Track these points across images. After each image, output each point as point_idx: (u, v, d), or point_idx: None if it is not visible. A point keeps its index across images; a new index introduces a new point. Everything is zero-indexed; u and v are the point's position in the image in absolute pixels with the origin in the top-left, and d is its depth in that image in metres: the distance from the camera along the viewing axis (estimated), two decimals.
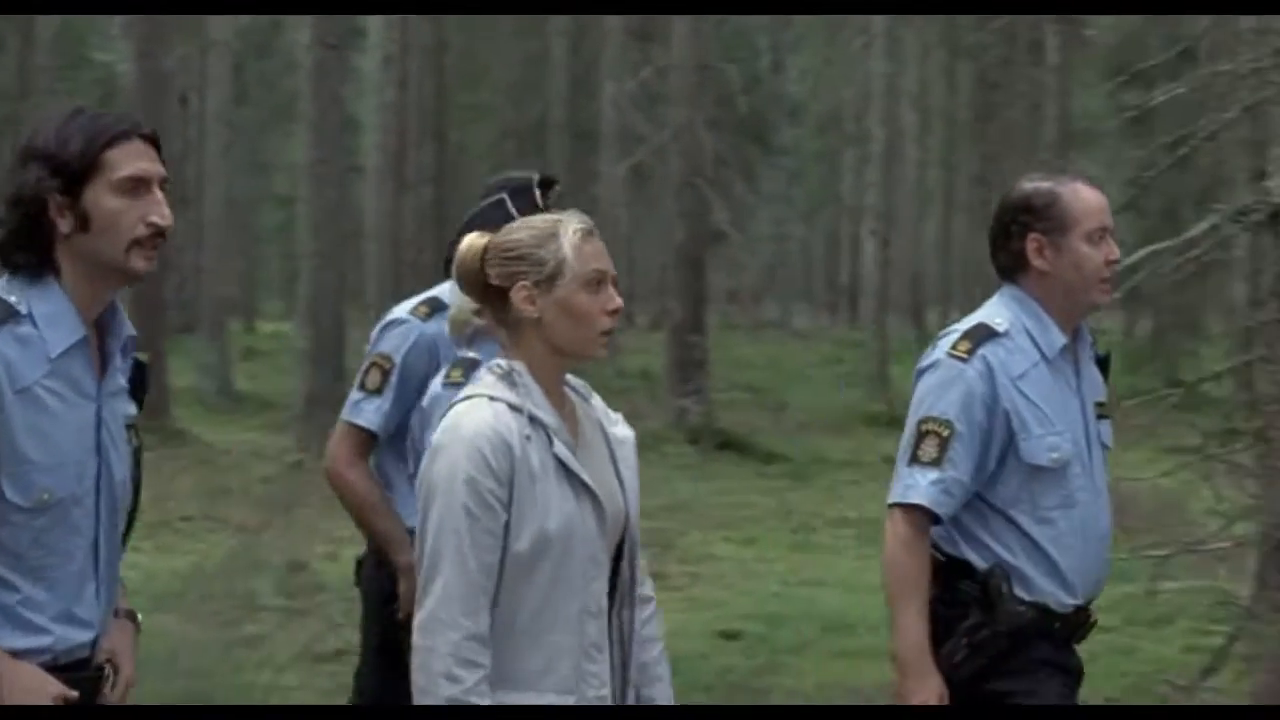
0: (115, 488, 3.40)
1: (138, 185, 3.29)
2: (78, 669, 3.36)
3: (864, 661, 9.16)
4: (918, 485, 4.18)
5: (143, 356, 3.58)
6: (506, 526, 3.41)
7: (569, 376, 3.64)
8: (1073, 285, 4.25)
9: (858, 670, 8.97)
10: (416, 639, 3.39)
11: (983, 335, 4.24)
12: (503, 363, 3.53)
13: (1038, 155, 29.46)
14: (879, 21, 27.82)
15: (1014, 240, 4.29)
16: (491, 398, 3.47)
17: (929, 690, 4.15)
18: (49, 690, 3.26)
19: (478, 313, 4.30)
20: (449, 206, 28.42)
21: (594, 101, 32.39)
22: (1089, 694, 4.95)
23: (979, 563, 4.22)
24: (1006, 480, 4.21)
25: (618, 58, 30.05)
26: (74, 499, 3.31)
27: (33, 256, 3.28)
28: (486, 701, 3.35)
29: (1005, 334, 4.23)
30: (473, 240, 3.60)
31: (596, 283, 3.51)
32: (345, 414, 5.07)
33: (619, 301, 3.56)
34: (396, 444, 4.96)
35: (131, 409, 3.51)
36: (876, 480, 17.38)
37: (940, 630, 4.19)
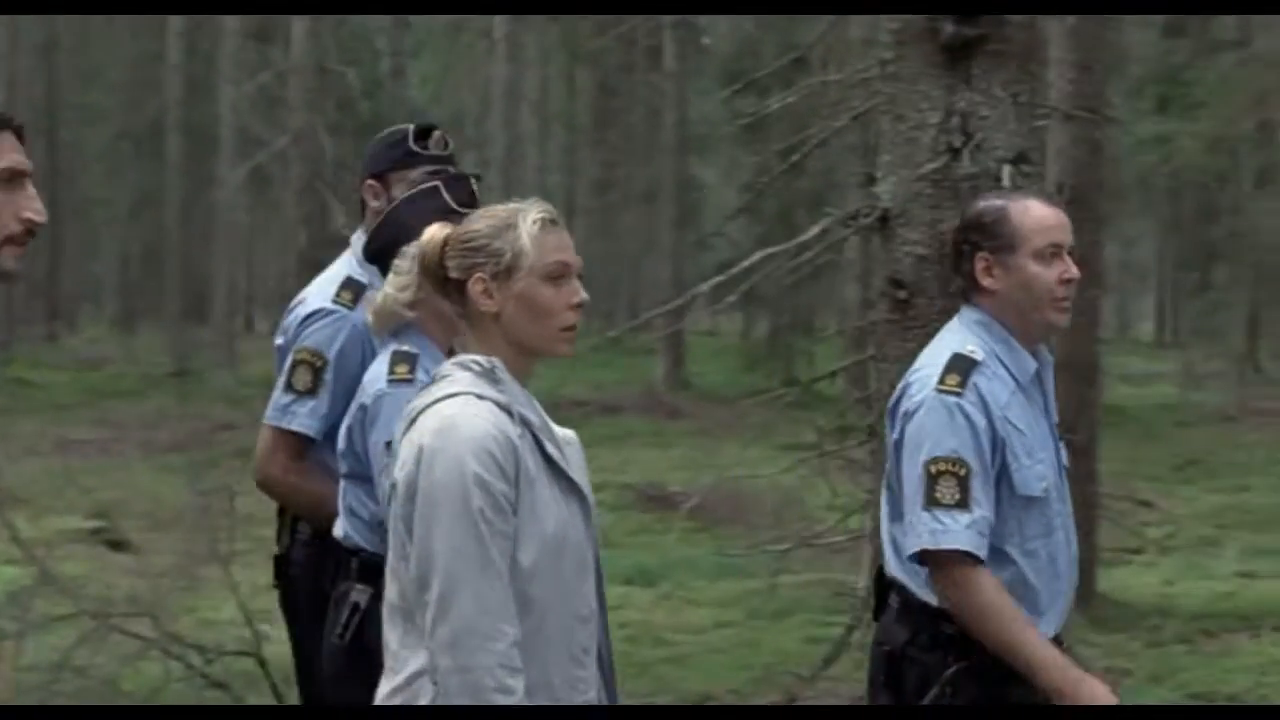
0: None
1: (11, 178, 3.14)
2: None
3: None
4: (951, 530, 3.89)
5: None
6: (515, 531, 3.23)
7: None
8: (1023, 306, 4.08)
9: None
10: (446, 660, 3.16)
11: (967, 366, 4.01)
12: (481, 359, 3.33)
13: (656, 160, 29.93)
14: (500, 25, 27.90)
15: (964, 260, 4.13)
16: (479, 396, 3.27)
17: (1100, 695, 3.89)
18: None
19: (411, 306, 4.19)
20: (60, 207, 27.46)
21: (212, 104, 31.72)
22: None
23: None
24: (1000, 514, 3.98)
25: (235, 59, 29.48)
26: None
27: None
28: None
29: (983, 362, 4.02)
30: (434, 231, 3.43)
31: (557, 275, 3.34)
32: (273, 419, 4.70)
33: (583, 295, 3.37)
34: (324, 448, 4.63)
35: None
36: None
37: (916, 677, 4.00)
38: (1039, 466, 4.02)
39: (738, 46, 29.51)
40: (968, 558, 3.89)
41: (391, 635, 3.35)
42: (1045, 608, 4.03)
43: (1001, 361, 4.04)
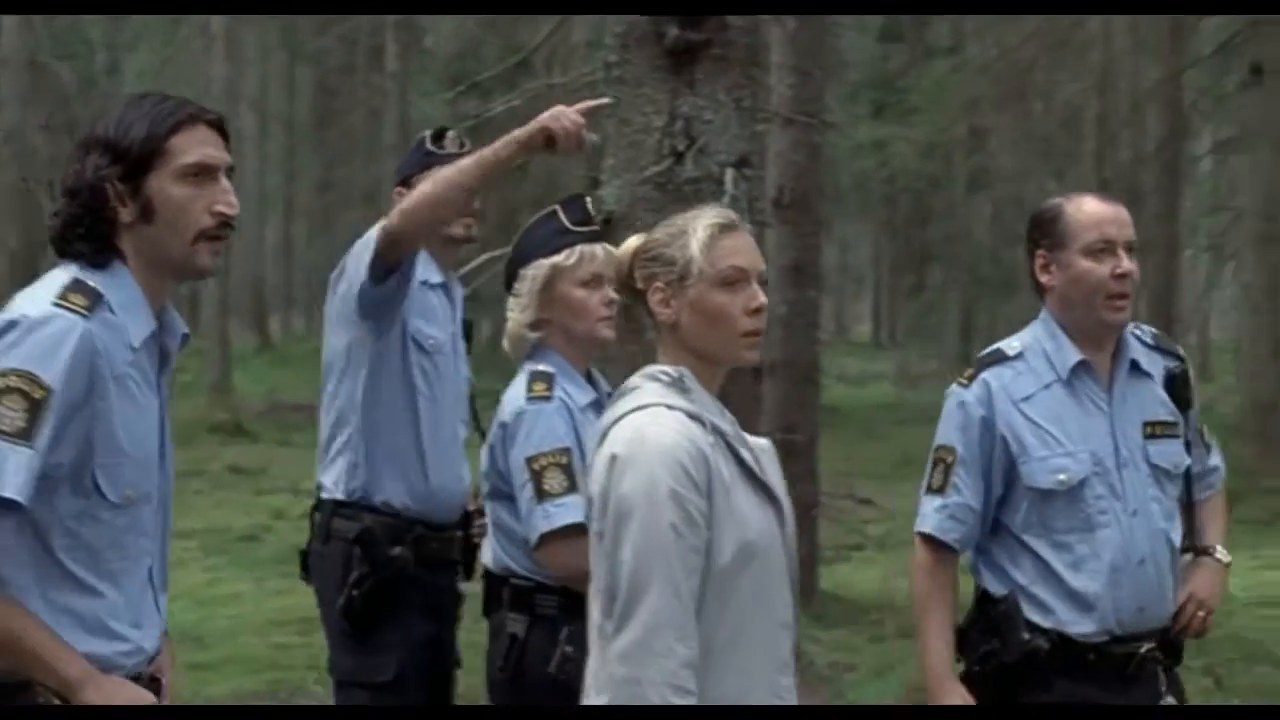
0: (169, 489, 3.20)
1: (203, 173, 3.08)
2: (136, 682, 3.08)
3: (213, 674, 8.99)
4: (925, 513, 4.20)
5: None
6: (708, 542, 3.15)
7: None
8: (1076, 301, 4.12)
9: (208, 682, 8.79)
10: (619, 669, 3.10)
11: (990, 360, 4.19)
12: (670, 369, 3.29)
13: (378, 161, 29.68)
14: (218, 22, 27.39)
15: (1031, 259, 4.21)
16: (669, 406, 3.21)
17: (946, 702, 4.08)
18: (148, 700, 3.04)
19: (532, 326, 4.30)
20: None
21: None
22: None
23: (997, 589, 4.12)
24: (1017, 505, 4.11)
25: None
26: (145, 498, 3.09)
27: (90, 244, 3.06)
28: None
29: (1018, 356, 4.16)
30: (629, 242, 3.42)
31: (732, 281, 3.26)
32: None
33: (762, 299, 3.29)
34: None
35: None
36: (222, 489, 17.13)
37: (970, 656, 4.16)
38: (1058, 460, 4.07)
39: (460, 48, 29.40)
40: (929, 540, 4.17)
41: (593, 657, 3.28)
42: (1096, 604, 4.04)
43: (1046, 356, 4.14)
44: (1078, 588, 4.05)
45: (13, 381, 2.89)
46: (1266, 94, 18.73)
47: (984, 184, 28.94)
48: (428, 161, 4.85)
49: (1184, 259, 36.41)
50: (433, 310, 4.86)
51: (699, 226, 3.29)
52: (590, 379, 4.43)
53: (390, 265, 4.57)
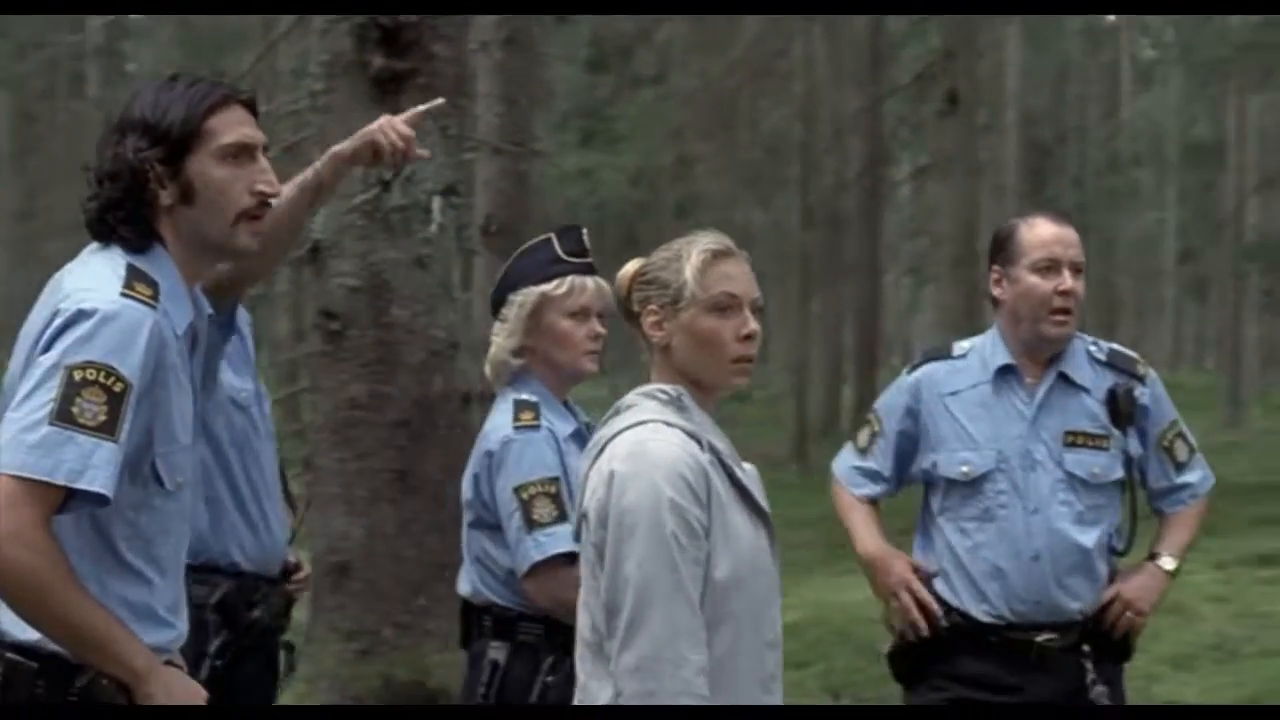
0: (197, 476, 3.24)
1: (241, 152, 3.03)
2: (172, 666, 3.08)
3: None
4: (843, 459, 4.63)
5: None
6: (707, 556, 3.15)
7: None
8: (1022, 314, 4.39)
9: None
10: (631, 684, 3.06)
11: (934, 354, 4.62)
12: (668, 388, 3.28)
13: (79, 188, 28.88)
14: None
15: (988, 274, 4.50)
16: (667, 423, 3.20)
17: (896, 571, 4.42)
18: (201, 695, 3.05)
19: (516, 353, 4.23)
20: None
21: None
22: None
23: (923, 566, 4.44)
24: (936, 489, 4.45)
25: None
26: (189, 485, 3.08)
27: (133, 228, 2.99)
28: None
29: (961, 355, 4.50)
30: (629, 265, 3.40)
31: (724, 306, 3.24)
32: None
33: (753, 326, 3.27)
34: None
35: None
36: None
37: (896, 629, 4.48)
38: (964, 453, 4.40)
39: (164, 73, 28.87)
40: (837, 482, 4.63)
41: (581, 670, 3.24)
42: (987, 591, 4.35)
43: (982, 357, 4.47)
44: (974, 573, 4.36)
45: (90, 374, 2.84)
46: (961, 122, 19.37)
47: (691, 210, 29.34)
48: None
49: (886, 282, 37.45)
50: (232, 354, 4.38)
51: (693, 251, 3.30)
52: (569, 408, 4.35)
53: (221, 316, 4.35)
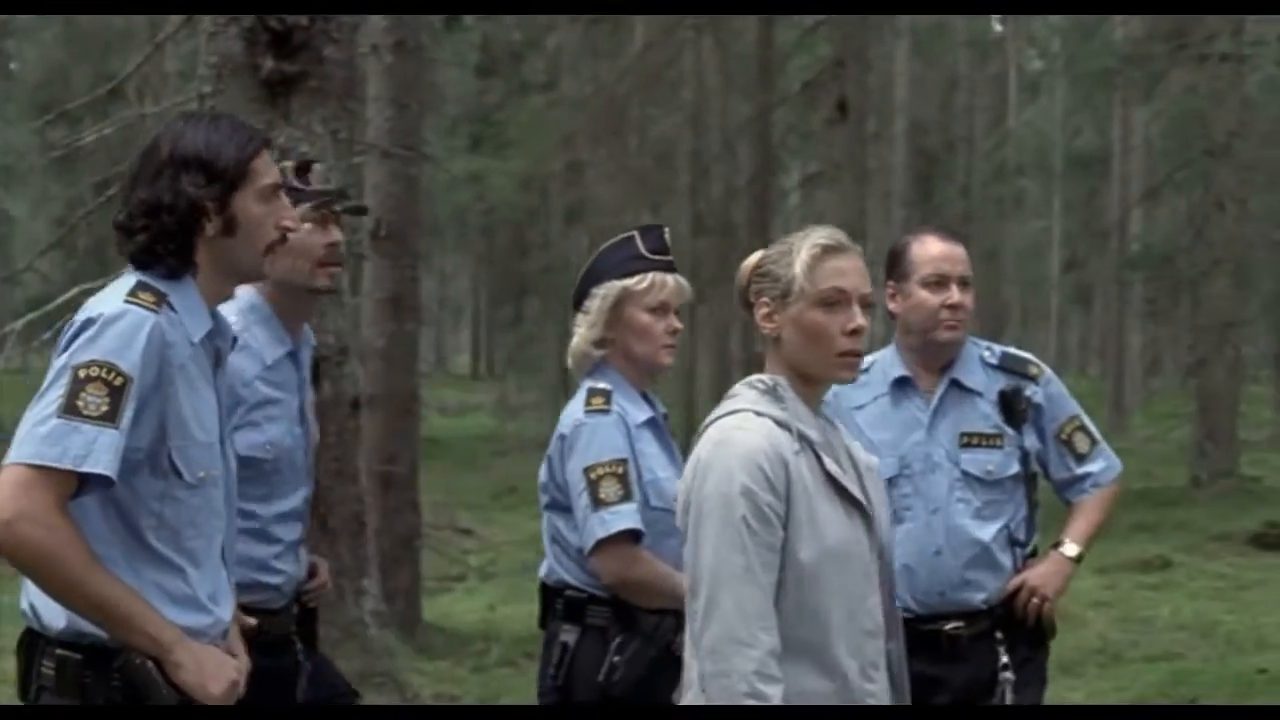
0: (233, 475, 3.45)
1: (274, 192, 3.42)
2: None
3: None
4: None
5: None
6: (784, 543, 3.25)
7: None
8: (914, 326, 4.64)
9: None
10: (708, 664, 3.21)
11: None
12: (766, 378, 3.40)
13: None
14: None
15: (884, 289, 4.66)
16: (758, 413, 3.32)
17: None
18: (232, 665, 3.29)
19: (597, 344, 4.39)
20: None
21: None
22: None
23: None
24: None
25: None
26: (214, 480, 3.34)
27: (179, 260, 3.32)
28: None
29: (864, 370, 4.59)
30: (749, 258, 3.53)
31: (832, 301, 3.35)
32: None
33: (860, 321, 3.37)
34: None
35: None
36: None
37: None
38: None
39: (48, 74, 28.52)
40: None
41: (686, 649, 3.38)
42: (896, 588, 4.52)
43: (884, 371, 4.70)
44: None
45: (94, 371, 3.15)
46: (850, 131, 19.50)
47: (581, 216, 29.37)
48: (293, 199, 4.41)
49: None
50: (271, 406, 4.29)
51: (804, 246, 3.40)
52: (646, 399, 4.51)
53: None
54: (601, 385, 4.39)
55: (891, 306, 4.70)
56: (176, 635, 3.20)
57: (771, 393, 3.37)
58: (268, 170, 3.40)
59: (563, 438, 4.36)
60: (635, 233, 4.53)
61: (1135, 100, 32.60)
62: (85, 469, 3.10)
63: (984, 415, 4.67)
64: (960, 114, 38.75)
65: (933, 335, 4.63)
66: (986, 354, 4.75)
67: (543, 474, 4.45)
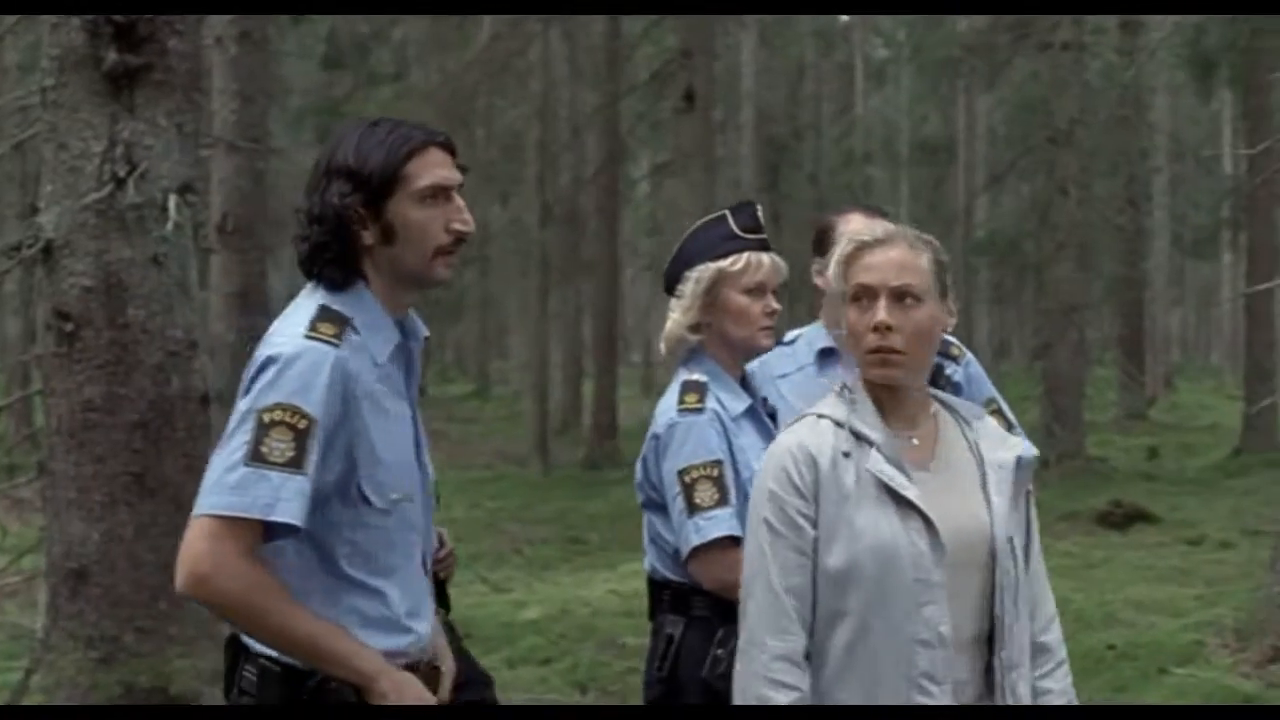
0: (429, 485, 3.42)
1: (438, 194, 3.27)
2: (414, 669, 3.30)
3: None
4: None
5: None
6: (815, 544, 3.20)
7: (953, 400, 3.45)
8: (837, 300, 4.60)
9: None
10: (736, 666, 3.27)
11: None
12: (848, 381, 3.37)
13: None
14: None
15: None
16: (820, 415, 3.31)
17: None
18: (430, 694, 3.28)
19: (693, 328, 4.28)
20: None
21: None
22: None
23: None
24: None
25: None
26: (409, 497, 3.31)
27: (339, 269, 3.26)
28: None
29: (790, 342, 4.76)
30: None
31: (858, 298, 3.30)
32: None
33: (881, 316, 3.26)
34: None
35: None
36: None
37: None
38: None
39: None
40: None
41: None
42: None
43: (809, 343, 4.75)
44: None
45: (278, 415, 3.13)
46: (698, 120, 19.60)
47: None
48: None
49: (625, 278, 37.71)
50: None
51: (841, 243, 3.39)
52: (745, 384, 4.38)
53: None
54: (696, 378, 4.27)
55: (818, 283, 4.68)
56: (379, 666, 3.20)
57: (843, 395, 3.35)
58: (426, 172, 3.25)
59: (656, 437, 4.25)
60: (727, 211, 4.40)
61: (979, 88, 33.13)
62: (273, 518, 3.10)
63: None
64: (807, 102, 39.06)
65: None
66: None
67: (638, 473, 4.35)
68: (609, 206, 23.01)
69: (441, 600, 4.43)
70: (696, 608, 4.23)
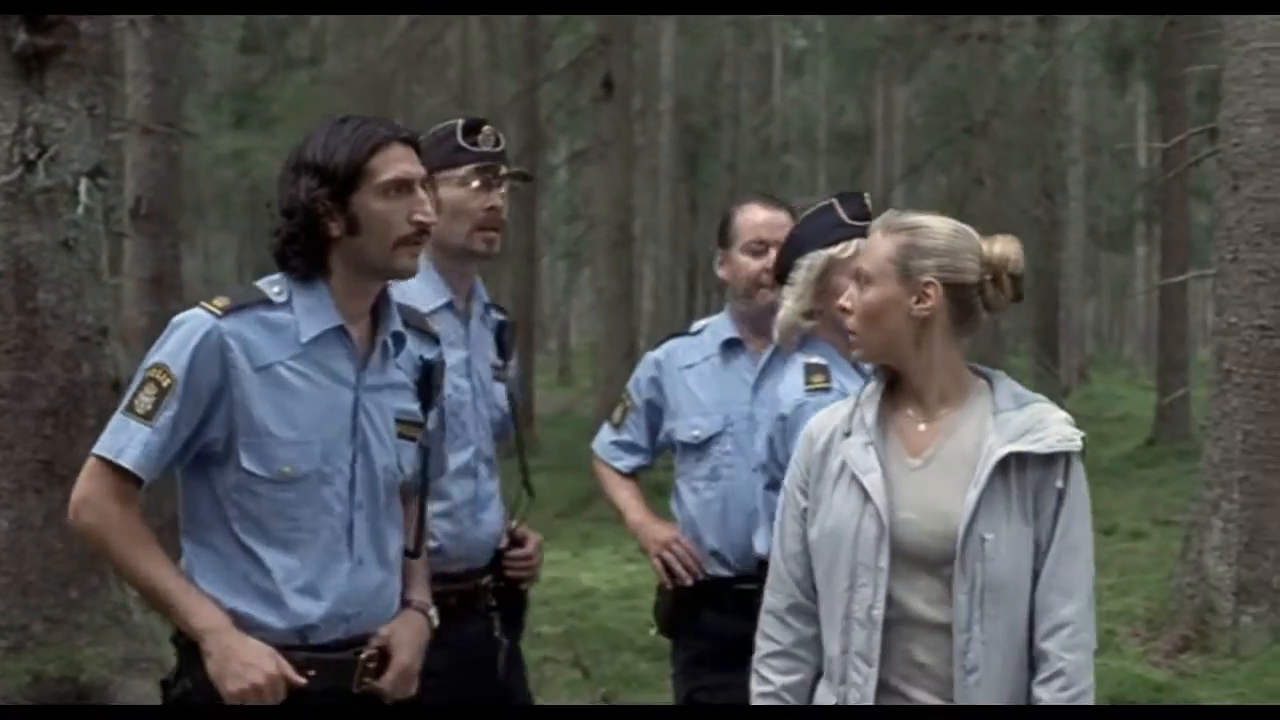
0: (376, 473, 3.47)
1: (401, 187, 3.43)
2: (331, 649, 3.40)
3: None
4: (602, 437, 4.99)
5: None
6: (805, 515, 3.42)
7: (1006, 384, 3.42)
8: (739, 291, 4.77)
9: None
10: None
11: (676, 333, 5.02)
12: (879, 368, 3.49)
13: None
14: None
15: (715, 258, 4.88)
16: (846, 396, 3.58)
17: (659, 534, 4.76)
18: (265, 666, 3.28)
19: (807, 315, 4.38)
20: None
21: None
22: None
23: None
24: (676, 454, 4.84)
25: None
26: (321, 477, 3.39)
27: (307, 260, 3.43)
28: (767, 673, 3.44)
29: (696, 333, 4.89)
30: None
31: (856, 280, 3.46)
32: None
33: (842, 299, 3.49)
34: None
35: (410, 405, 3.58)
36: None
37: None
38: (696, 418, 4.78)
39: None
40: (598, 459, 5.04)
41: None
42: (716, 546, 4.71)
43: (715, 333, 4.84)
44: (705, 530, 4.73)
45: (152, 373, 3.36)
46: (617, 108, 19.57)
47: None
48: (455, 158, 4.40)
49: (543, 266, 37.67)
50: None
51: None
52: (859, 369, 4.36)
53: None
54: (816, 360, 4.35)
55: (721, 273, 4.84)
56: (210, 625, 3.32)
57: (873, 378, 3.49)
58: (389, 167, 3.43)
59: (784, 418, 4.28)
60: (834, 200, 4.49)
61: (897, 79, 33.27)
62: (119, 461, 3.33)
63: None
64: (726, 91, 39.10)
65: (756, 299, 4.71)
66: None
67: (763, 454, 4.40)
68: (527, 193, 22.94)
69: (512, 609, 4.45)
70: None
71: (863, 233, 4.28)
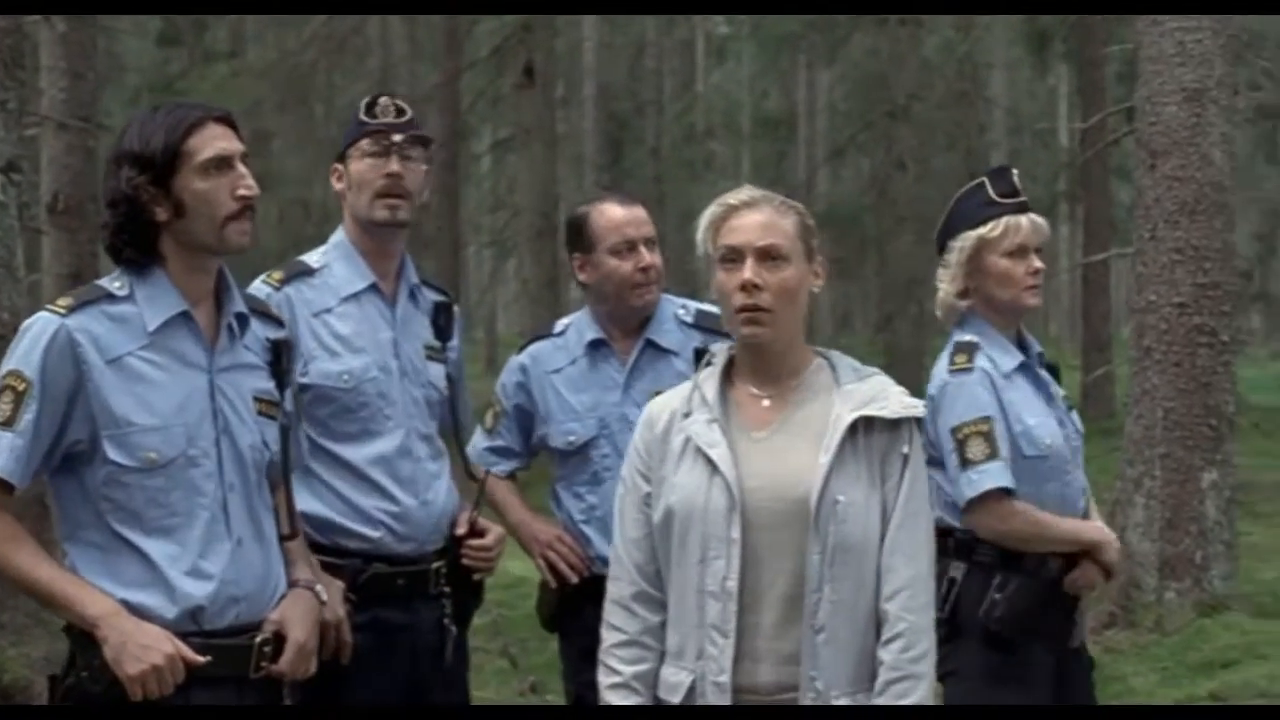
0: (242, 452, 3.50)
1: (221, 164, 3.45)
2: (225, 636, 3.41)
3: None
4: (476, 442, 4.88)
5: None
6: (648, 499, 3.43)
7: (842, 360, 3.50)
8: (608, 294, 4.68)
9: None
10: None
11: (539, 334, 4.92)
12: (726, 347, 3.51)
13: None
14: None
15: (570, 262, 4.75)
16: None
17: (541, 534, 4.77)
18: (163, 647, 3.29)
19: (960, 295, 4.46)
20: None
21: None
22: None
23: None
24: (553, 459, 4.77)
25: None
26: (188, 460, 3.42)
27: (138, 249, 3.46)
28: (615, 664, 3.45)
29: (560, 334, 4.81)
30: None
31: (728, 260, 3.40)
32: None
33: (746, 275, 3.37)
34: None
35: (265, 384, 3.59)
36: None
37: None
38: (569, 424, 4.70)
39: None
40: (474, 465, 4.89)
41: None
42: (602, 549, 4.56)
43: (580, 334, 4.76)
44: (591, 534, 4.70)
45: (7, 380, 3.40)
46: (539, 95, 19.53)
47: (268, 187, 28.88)
48: (356, 133, 4.47)
49: (468, 255, 37.54)
50: (349, 338, 4.44)
51: (708, 209, 3.48)
52: (1021, 343, 4.55)
53: None
54: (966, 338, 4.46)
55: (581, 277, 4.74)
56: (107, 609, 3.34)
57: (709, 357, 3.53)
58: (206, 146, 3.45)
59: (932, 398, 4.43)
60: (985, 179, 4.58)
61: (819, 64, 33.34)
62: None
63: (679, 374, 4.62)
64: (649, 78, 39.07)
65: (629, 300, 4.67)
66: (681, 312, 4.83)
67: None
68: (450, 183, 22.84)
69: (462, 598, 4.47)
70: (980, 554, 4.43)
71: (1010, 209, 4.52)
